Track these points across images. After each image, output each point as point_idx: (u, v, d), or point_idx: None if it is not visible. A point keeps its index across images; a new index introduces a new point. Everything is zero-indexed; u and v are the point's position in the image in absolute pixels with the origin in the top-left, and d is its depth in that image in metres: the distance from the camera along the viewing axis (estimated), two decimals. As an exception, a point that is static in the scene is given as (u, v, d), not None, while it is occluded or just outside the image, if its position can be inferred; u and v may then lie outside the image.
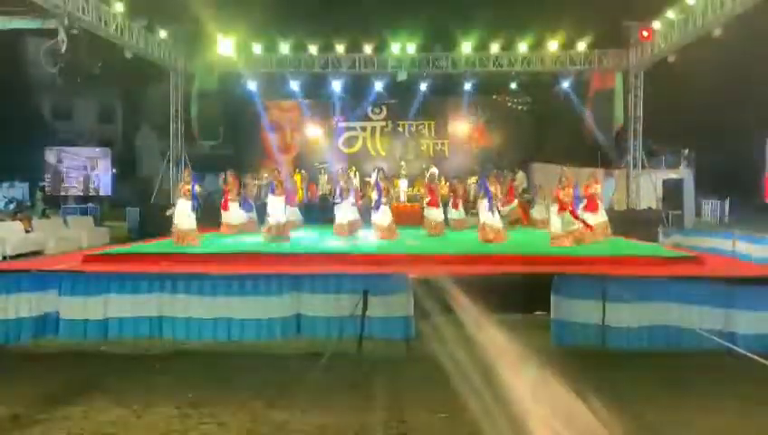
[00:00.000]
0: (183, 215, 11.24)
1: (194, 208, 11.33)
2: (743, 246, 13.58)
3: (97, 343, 7.04)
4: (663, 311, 6.95)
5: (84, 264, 9.48)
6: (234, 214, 13.33)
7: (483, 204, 12.09)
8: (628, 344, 6.89)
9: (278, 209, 11.76)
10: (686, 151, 22.83)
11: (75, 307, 7.13)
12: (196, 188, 11.43)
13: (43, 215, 17.69)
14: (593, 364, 6.51)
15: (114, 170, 33.19)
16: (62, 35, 11.39)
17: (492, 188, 11.97)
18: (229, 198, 13.26)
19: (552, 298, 7.06)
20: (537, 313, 8.41)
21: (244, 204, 13.97)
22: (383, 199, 12.42)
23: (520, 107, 22.20)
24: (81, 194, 25.64)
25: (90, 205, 25.58)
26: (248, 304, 7.02)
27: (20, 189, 29.92)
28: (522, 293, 8.16)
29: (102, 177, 27.61)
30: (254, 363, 6.46)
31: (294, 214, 15.53)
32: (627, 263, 9.56)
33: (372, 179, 16.79)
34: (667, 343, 6.93)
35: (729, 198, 25.87)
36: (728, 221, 25.02)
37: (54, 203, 26.08)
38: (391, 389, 5.67)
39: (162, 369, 6.30)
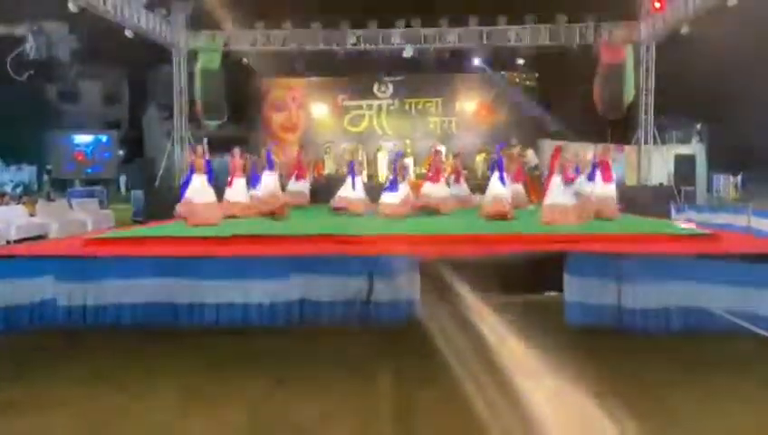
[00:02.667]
0: (197, 190, 10.77)
1: (210, 181, 10.89)
2: (758, 222, 13.22)
3: (97, 331, 6.80)
4: (681, 291, 6.61)
5: (85, 248, 9.21)
6: (238, 192, 12.95)
7: (494, 176, 11.44)
8: (645, 326, 6.57)
9: (269, 185, 11.46)
10: (699, 126, 22.29)
11: (73, 293, 6.88)
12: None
13: (48, 198, 17.48)
14: (610, 347, 6.23)
15: (121, 152, 33.04)
16: (30, 42, 10.96)
17: (505, 160, 11.37)
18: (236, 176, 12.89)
19: (566, 278, 6.74)
20: (549, 293, 8.15)
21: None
22: (399, 179, 11.94)
23: (528, 83, 21.73)
24: (85, 177, 25.55)
25: (97, 187, 25.39)
26: (249, 288, 6.75)
27: (28, 173, 29.83)
28: (532, 272, 7.85)
29: (109, 159, 27.47)
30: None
31: (302, 190, 15.22)
32: (639, 241, 9.15)
33: (389, 158, 16.39)
34: (686, 325, 6.61)
35: (741, 173, 25.39)
36: (740, 196, 24.60)
37: (61, 186, 25.94)
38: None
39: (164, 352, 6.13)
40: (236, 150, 12.07)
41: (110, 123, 35.38)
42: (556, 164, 10.60)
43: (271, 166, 11.93)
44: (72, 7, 14.03)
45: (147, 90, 33.95)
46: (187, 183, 10.70)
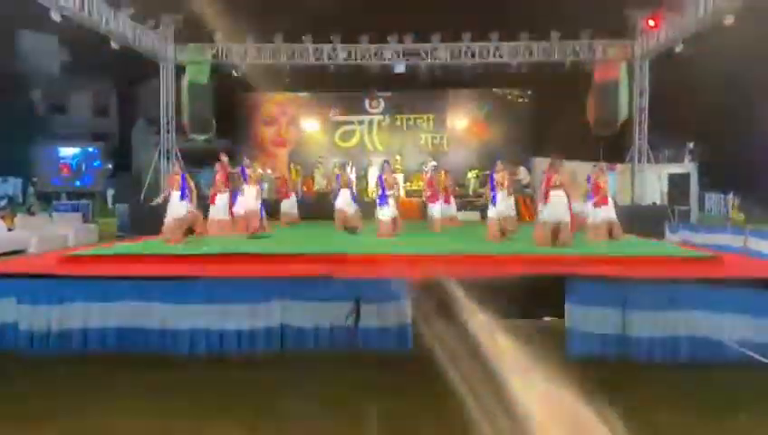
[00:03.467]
0: (171, 207, 10.36)
1: (183, 197, 10.41)
2: (756, 244, 12.82)
3: (60, 357, 6.23)
4: (688, 319, 6.14)
5: (59, 265, 8.65)
6: (221, 209, 12.40)
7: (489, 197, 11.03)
8: (650, 356, 6.09)
9: (248, 202, 10.96)
10: (692, 145, 22.00)
11: (36, 317, 6.31)
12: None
13: (29, 212, 16.85)
14: (614, 380, 5.73)
15: (109, 165, 32.42)
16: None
17: (497, 177, 10.86)
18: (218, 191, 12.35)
19: (567, 305, 6.26)
20: (546, 318, 7.68)
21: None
22: (387, 193, 11.47)
23: (520, 100, 21.42)
24: (72, 190, 24.92)
25: (83, 201, 24.74)
26: (228, 313, 6.21)
27: (12, 185, 29.13)
28: (529, 296, 7.37)
29: (96, 172, 26.90)
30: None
31: (290, 208, 14.76)
32: (642, 263, 8.72)
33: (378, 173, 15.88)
34: (695, 356, 6.13)
35: (733, 192, 25.09)
36: (738, 216, 24.27)
37: (48, 199, 25.29)
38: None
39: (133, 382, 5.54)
40: (223, 161, 11.61)
41: (99, 136, 34.81)
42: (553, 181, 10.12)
43: (246, 181, 11.46)
44: (54, 16, 13.54)
45: (136, 103, 33.41)
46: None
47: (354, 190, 13.25)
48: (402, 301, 6.28)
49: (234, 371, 5.96)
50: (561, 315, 7.26)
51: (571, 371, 5.52)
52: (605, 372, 5.87)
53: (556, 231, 9.37)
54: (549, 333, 6.88)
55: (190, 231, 10.25)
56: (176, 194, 10.39)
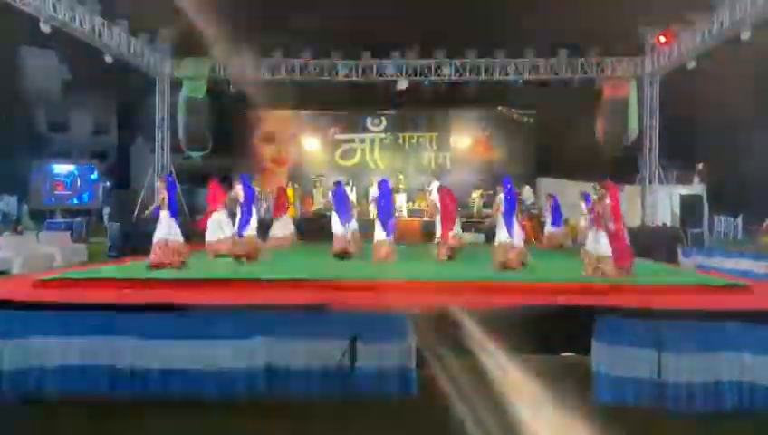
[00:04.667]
0: (160, 228, 9.49)
1: (172, 215, 9.56)
2: (780, 270, 11.94)
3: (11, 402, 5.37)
4: (733, 362, 5.29)
5: (34, 290, 7.83)
6: (213, 230, 11.57)
7: (501, 219, 9.93)
8: (690, 405, 5.23)
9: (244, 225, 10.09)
10: (701, 165, 21.20)
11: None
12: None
13: (14, 230, 16.03)
14: (648, 431, 4.89)
15: (108, 183, 31.68)
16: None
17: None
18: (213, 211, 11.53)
19: (595, 344, 5.40)
20: (565, 354, 6.84)
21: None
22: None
23: (526, 118, 20.70)
24: (68, 208, 24.19)
25: (78, 219, 23.95)
26: (205, 351, 5.36)
27: (6, 204, 28.32)
28: (546, 330, 6.54)
29: (93, 190, 26.18)
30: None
31: (285, 229, 13.93)
32: (668, 293, 7.92)
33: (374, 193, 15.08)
34: (740, 403, 5.27)
35: (742, 214, 24.27)
36: (741, 238, 23.44)
37: (42, 217, 24.48)
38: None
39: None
40: (214, 183, 10.83)
41: (99, 154, 34.13)
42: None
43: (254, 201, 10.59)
44: (43, 28, 12.87)
45: (136, 120, 32.75)
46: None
47: (352, 211, 12.37)
48: (405, 338, 5.44)
49: (211, 418, 5.11)
50: (580, 351, 6.49)
51: (600, 419, 4.69)
52: (638, 423, 5.03)
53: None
54: (569, 372, 6.04)
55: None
56: (165, 214, 9.50)
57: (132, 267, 9.23)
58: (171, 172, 10.85)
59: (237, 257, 9.73)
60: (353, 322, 5.47)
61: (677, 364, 5.21)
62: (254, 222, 10.12)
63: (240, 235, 9.80)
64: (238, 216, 10.05)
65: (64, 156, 30.22)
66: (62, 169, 24.92)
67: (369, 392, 5.29)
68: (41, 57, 32.60)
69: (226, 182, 13.12)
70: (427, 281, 7.79)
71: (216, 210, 11.57)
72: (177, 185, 9.58)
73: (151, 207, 9.81)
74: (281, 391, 5.34)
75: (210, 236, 11.50)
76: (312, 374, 5.34)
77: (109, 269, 9.15)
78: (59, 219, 23.62)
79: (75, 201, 27.87)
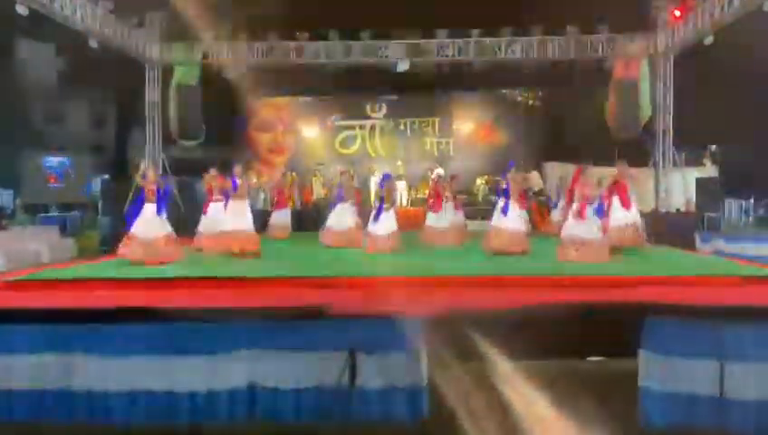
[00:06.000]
0: (144, 223, 8.49)
1: (159, 212, 8.57)
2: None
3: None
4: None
5: None
6: (208, 224, 10.62)
7: (498, 205, 9.40)
8: (757, 427, 4.28)
9: (237, 217, 9.10)
10: (713, 147, 20.15)
11: None
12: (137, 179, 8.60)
13: (-1, 226, 15.12)
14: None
15: (106, 176, 30.73)
16: None
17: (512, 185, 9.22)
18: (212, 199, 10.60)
19: (643, 354, 4.45)
20: (591, 358, 5.96)
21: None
22: (385, 205, 9.75)
23: (531, 102, 19.66)
24: (63, 201, 23.32)
25: (74, 213, 23.05)
26: (176, 369, 4.41)
27: (4, 196, 27.36)
28: (566, 330, 5.62)
29: (87, 183, 25.34)
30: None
31: (282, 220, 13.03)
32: (697, 284, 6.93)
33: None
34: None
35: (753, 196, 23.25)
36: (752, 221, 22.48)
37: (36, 211, 23.55)
38: None
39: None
40: (211, 173, 9.90)
41: (96, 146, 33.29)
42: (577, 189, 8.57)
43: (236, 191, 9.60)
44: (19, 9, 11.85)
45: (134, 112, 31.80)
46: (134, 213, 8.44)
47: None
48: (415, 350, 4.49)
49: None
50: (612, 354, 5.63)
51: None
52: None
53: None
54: (605, 380, 5.13)
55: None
56: (149, 207, 8.50)
57: (105, 266, 8.25)
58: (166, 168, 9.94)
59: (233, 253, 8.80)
60: (352, 328, 4.51)
61: (744, 378, 4.25)
62: (242, 215, 9.17)
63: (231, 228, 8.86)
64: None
65: (59, 148, 29.28)
66: (56, 161, 24.01)
67: (372, 417, 4.33)
68: (37, 50, 31.70)
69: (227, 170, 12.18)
70: (435, 276, 6.80)
71: (211, 201, 10.70)
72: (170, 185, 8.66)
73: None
74: (267, 416, 4.39)
75: (201, 227, 10.63)
76: (305, 395, 4.38)
77: (81, 268, 8.17)
78: (54, 213, 22.72)
79: (70, 194, 26.90)
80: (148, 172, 8.57)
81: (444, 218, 10.95)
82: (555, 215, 13.91)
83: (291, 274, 6.57)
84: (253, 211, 9.69)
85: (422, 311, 4.72)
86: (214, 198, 10.57)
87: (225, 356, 4.42)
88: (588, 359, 5.99)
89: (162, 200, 8.56)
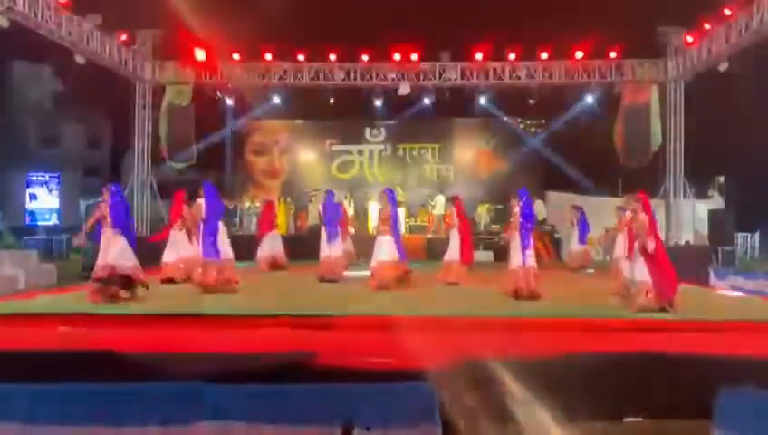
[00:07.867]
0: (111, 250, 7.42)
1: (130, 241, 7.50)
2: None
3: None
4: None
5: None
6: (176, 248, 9.62)
7: (516, 238, 8.09)
8: None
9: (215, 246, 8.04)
10: (721, 179, 19.35)
11: None
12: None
13: (-27, 250, 14.03)
14: None
15: (98, 199, 29.84)
16: None
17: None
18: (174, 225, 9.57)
19: (717, 432, 3.44)
20: (628, 419, 5.02)
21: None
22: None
23: (533, 129, 18.83)
24: (52, 223, 22.32)
25: (61, 236, 21.99)
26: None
27: (-8, 220, 26.33)
28: (595, 386, 4.72)
29: (76, 205, 24.46)
30: None
31: (274, 244, 12.12)
32: (737, 330, 6.03)
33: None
34: None
35: (759, 230, 22.39)
36: (758, 256, 21.61)
37: (24, 233, 22.51)
38: None
39: None
40: (179, 194, 8.94)
41: (91, 167, 32.64)
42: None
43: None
44: (1, 21, 11.00)
45: (129, 133, 31.10)
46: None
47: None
48: (428, 420, 3.47)
49: None
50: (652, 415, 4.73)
51: None
52: None
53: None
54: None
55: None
56: (108, 233, 7.37)
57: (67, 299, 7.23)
58: (118, 183, 8.92)
59: (201, 286, 7.76)
60: (348, 395, 3.50)
61: None
62: (223, 244, 8.13)
63: (206, 258, 7.82)
64: (200, 236, 8.05)
65: (51, 170, 28.49)
66: (46, 183, 23.07)
67: None
68: (33, 70, 31.05)
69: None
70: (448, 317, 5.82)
71: (174, 226, 9.72)
72: (126, 200, 7.65)
73: (81, 233, 7.82)
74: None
75: (165, 256, 9.59)
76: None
77: (41, 301, 7.15)
78: (42, 236, 21.68)
79: (59, 217, 25.91)
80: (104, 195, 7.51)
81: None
82: (574, 246, 12.76)
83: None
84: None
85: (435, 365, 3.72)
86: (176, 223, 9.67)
87: (182, 426, 3.38)
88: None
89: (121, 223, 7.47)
